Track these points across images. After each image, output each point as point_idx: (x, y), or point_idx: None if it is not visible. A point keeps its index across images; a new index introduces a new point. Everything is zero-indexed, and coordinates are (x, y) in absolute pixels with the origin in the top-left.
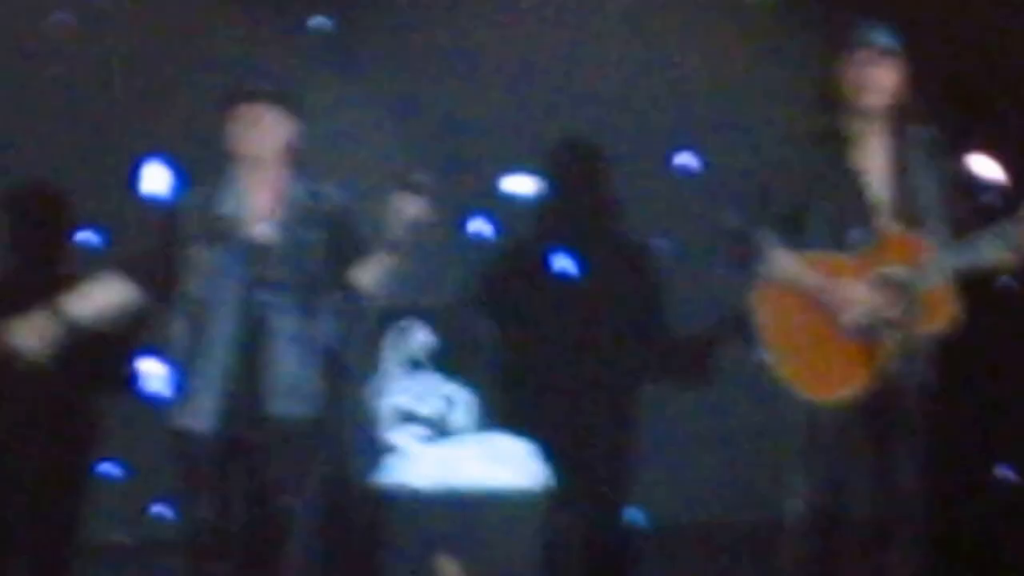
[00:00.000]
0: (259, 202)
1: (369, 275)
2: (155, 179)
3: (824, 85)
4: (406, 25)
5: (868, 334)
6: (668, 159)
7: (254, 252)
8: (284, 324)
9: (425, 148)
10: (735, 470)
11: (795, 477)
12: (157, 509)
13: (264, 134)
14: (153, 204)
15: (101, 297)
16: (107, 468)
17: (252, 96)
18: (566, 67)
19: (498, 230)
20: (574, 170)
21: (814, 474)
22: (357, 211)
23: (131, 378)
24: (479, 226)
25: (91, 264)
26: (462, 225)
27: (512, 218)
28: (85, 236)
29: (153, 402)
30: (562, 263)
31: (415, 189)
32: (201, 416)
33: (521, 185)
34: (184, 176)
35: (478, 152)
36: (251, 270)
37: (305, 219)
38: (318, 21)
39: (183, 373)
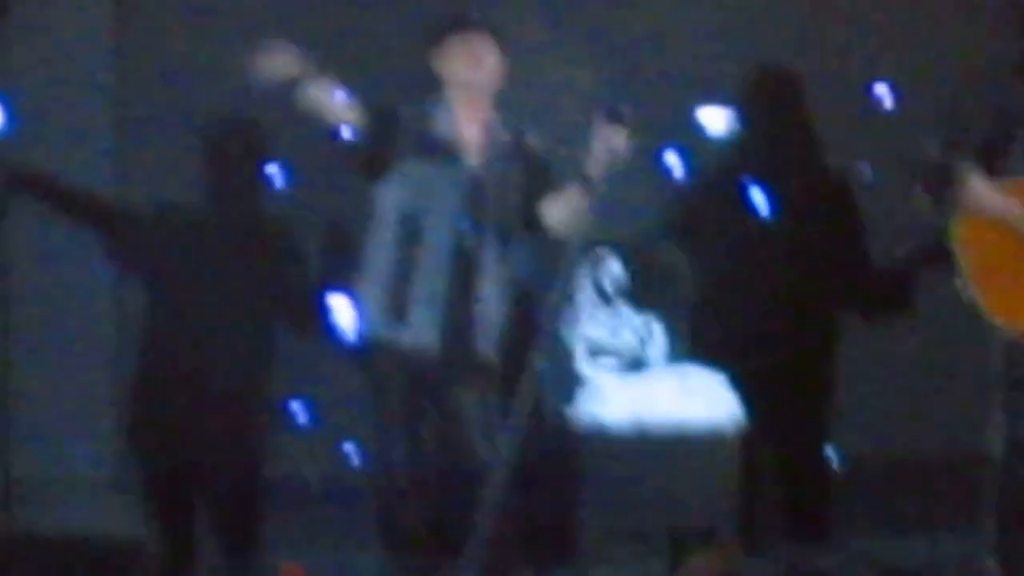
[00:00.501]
0: (470, 132)
1: (562, 210)
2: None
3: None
4: None
5: None
6: (865, 89)
7: (468, 180)
8: (489, 258)
9: (619, 80)
10: (934, 404)
11: (995, 410)
12: (346, 448)
13: (482, 63)
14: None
15: (337, 104)
16: (294, 407)
17: (474, 25)
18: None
19: (692, 163)
20: (770, 101)
21: (1014, 407)
22: (554, 150)
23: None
24: (672, 159)
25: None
26: (657, 158)
27: (706, 151)
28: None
29: (341, 340)
30: (757, 196)
31: (619, 120)
32: (424, 334)
33: (715, 117)
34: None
35: (672, 83)
36: (465, 197)
37: (508, 156)
38: None
39: (397, 290)
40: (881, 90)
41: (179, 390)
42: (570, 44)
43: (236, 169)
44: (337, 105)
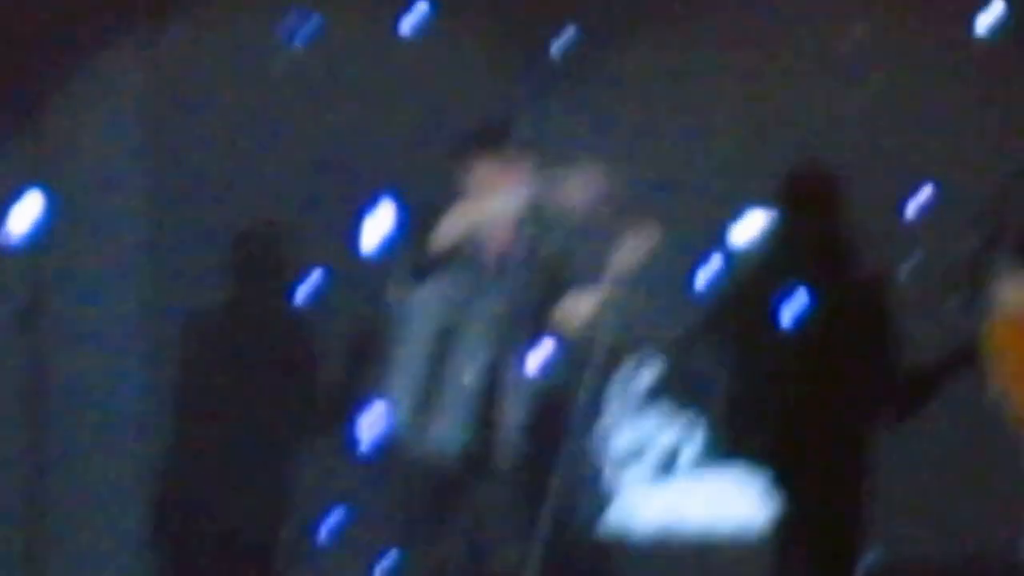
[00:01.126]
0: (500, 244)
1: (580, 312)
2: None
3: None
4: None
5: None
6: (906, 194)
7: (493, 288)
8: (513, 364)
9: (653, 192)
10: (969, 508)
11: None
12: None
13: (511, 185)
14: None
15: None
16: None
17: (498, 145)
18: (799, 102)
19: (725, 271)
20: (809, 207)
21: None
22: (574, 254)
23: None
24: (708, 274)
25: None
26: (693, 272)
27: (740, 260)
28: (313, 278)
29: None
30: (793, 304)
31: (644, 234)
32: (452, 436)
33: (750, 227)
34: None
35: (709, 190)
36: (490, 306)
37: (531, 259)
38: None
39: (423, 398)
40: (925, 194)
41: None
42: (608, 149)
43: (262, 276)
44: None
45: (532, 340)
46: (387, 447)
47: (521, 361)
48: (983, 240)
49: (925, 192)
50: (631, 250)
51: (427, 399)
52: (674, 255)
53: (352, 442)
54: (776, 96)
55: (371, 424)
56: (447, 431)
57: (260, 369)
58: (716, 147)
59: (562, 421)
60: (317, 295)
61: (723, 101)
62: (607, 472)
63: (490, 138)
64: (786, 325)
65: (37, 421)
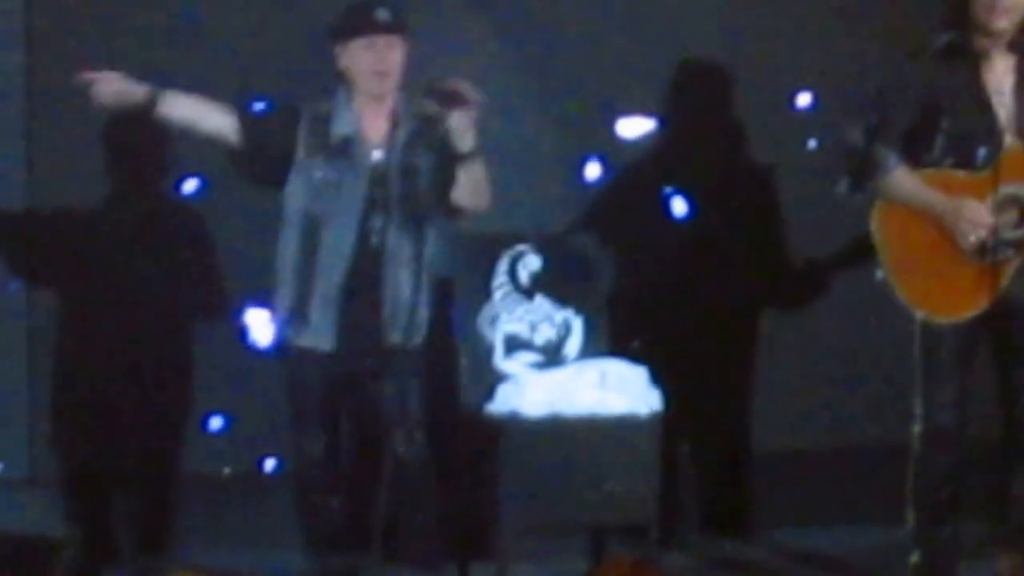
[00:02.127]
0: (375, 125)
1: (461, 190)
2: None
3: (952, 4)
4: None
5: (989, 255)
6: (789, 99)
7: (370, 175)
8: (398, 249)
9: (537, 84)
10: (854, 392)
11: (915, 399)
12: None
13: (387, 65)
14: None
15: (203, 112)
16: (215, 421)
17: (372, 24)
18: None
19: (613, 172)
20: (691, 99)
21: (934, 396)
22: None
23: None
24: (595, 169)
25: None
26: (580, 167)
27: (627, 159)
28: (190, 185)
29: (261, 354)
30: (678, 205)
31: (452, 98)
32: (322, 335)
33: (636, 126)
34: None
35: (593, 91)
36: (367, 193)
37: (416, 143)
38: None
39: (299, 291)
40: (805, 99)
41: (94, 390)
42: (494, 46)
43: (141, 163)
44: (204, 115)
45: (420, 222)
46: (275, 344)
47: (409, 245)
48: (868, 129)
49: (804, 99)
50: (459, 123)
51: (300, 296)
52: (561, 151)
53: (242, 337)
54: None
55: (259, 320)
56: (317, 328)
57: (144, 260)
58: (601, 47)
59: (447, 307)
60: (199, 193)
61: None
62: (496, 360)
63: (357, 20)
64: (673, 220)
65: None
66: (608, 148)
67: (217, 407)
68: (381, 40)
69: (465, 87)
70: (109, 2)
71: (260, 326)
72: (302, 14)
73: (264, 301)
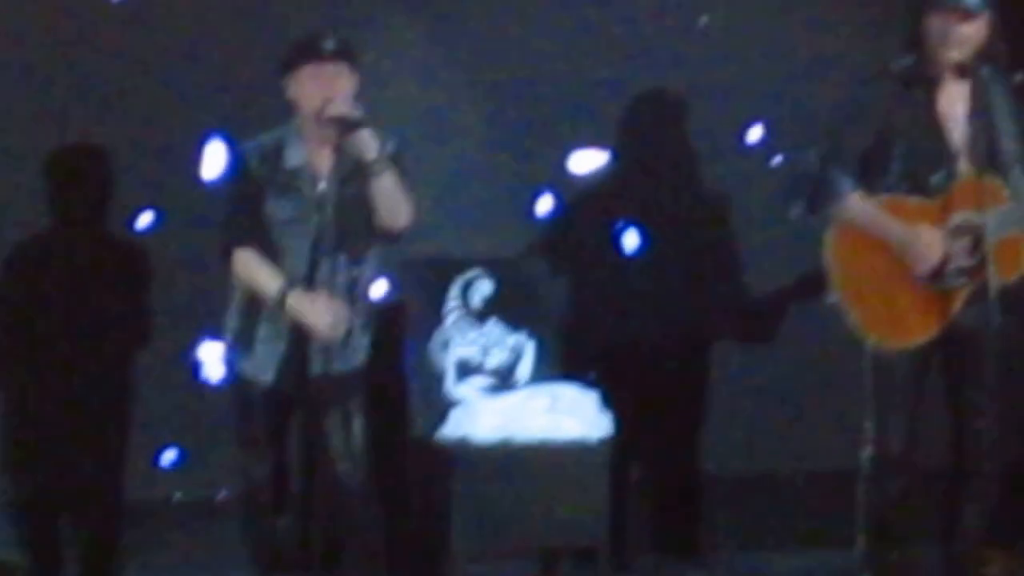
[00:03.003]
0: (321, 157)
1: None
2: (215, 160)
3: (908, 31)
4: None
5: (941, 281)
6: (740, 133)
7: (315, 206)
8: (331, 277)
9: (493, 115)
10: (805, 417)
11: (866, 424)
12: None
13: (333, 92)
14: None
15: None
16: (169, 454)
17: (318, 53)
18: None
19: (565, 205)
20: (642, 143)
21: (885, 421)
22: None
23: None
24: (547, 203)
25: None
26: (532, 199)
27: (579, 193)
28: (145, 219)
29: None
30: (630, 238)
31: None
32: (263, 368)
33: (589, 160)
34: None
35: (546, 126)
36: (312, 224)
37: (355, 173)
38: None
39: (246, 320)
40: (757, 134)
41: (44, 419)
42: (449, 75)
43: (88, 193)
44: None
45: (361, 253)
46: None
47: (348, 275)
48: (822, 155)
49: (756, 131)
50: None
51: (245, 328)
52: (514, 179)
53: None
54: (611, 33)
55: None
56: (261, 360)
57: (88, 290)
58: (550, 79)
59: (398, 332)
60: (154, 228)
61: (558, 34)
62: (447, 384)
63: (304, 49)
64: (624, 253)
65: None
66: (560, 181)
67: (171, 440)
68: (327, 67)
69: (344, 110)
70: (61, 31)
71: (213, 361)
72: (254, 47)
73: (217, 335)
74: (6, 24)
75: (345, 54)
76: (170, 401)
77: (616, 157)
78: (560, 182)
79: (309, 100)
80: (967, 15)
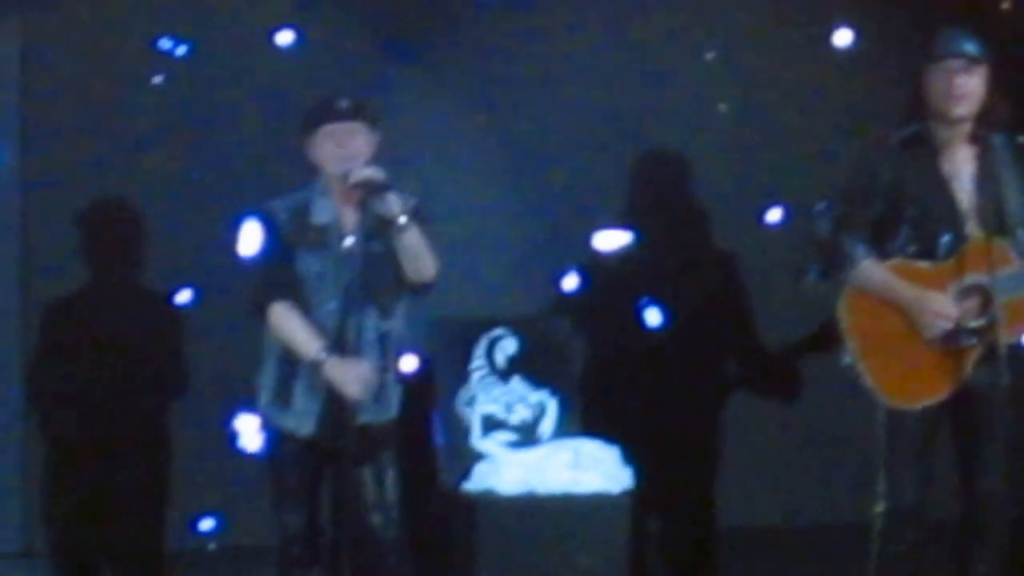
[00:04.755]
0: (347, 214)
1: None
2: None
3: (911, 95)
4: (492, 53)
5: (952, 342)
6: (758, 214)
7: (343, 262)
8: (364, 332)
9: (519, 181)
10: (819, 474)
11: (879, 480)
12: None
13: (350, 150)
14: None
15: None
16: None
17: (333, 113)
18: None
19: (589, 283)
20: (663, 223)
21: (898, 477)
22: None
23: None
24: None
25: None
26: (557, 279)
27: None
28: (184, 295)
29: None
30: (651, 315)
31: (377, 192)
32: (303, 421)
33: (613, 239)
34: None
35: (569, 195)
36: (341, 280)
37: (383, 228)
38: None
39: (283, 374)
40: (775, 215)
41: (85, 470)
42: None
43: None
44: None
45: (389, 307)
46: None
47: (379, 329)
48: (835, 221)
49: (775, 213)
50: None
51: (283, 382)
52: (541, 249)
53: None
54: (635, 114)
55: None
56: (300, 413)
57: (128, 345)
58: (572, 158)
59: (425, 387)
60: (193, 304)
61: (579, 112)
62: (473, 439)
63: (320, 111)
64: (647, 327)
65: None
66: (584, 253)
67: (210, 507)
68: (343, 127)
69: (368, 175)
70: (102, 102)
71: (250, 432)
72: (277, 115)
73: (254, 408)
74: (54, 98)
75: (360, 113)
76: (208, 468)
77: (639, 237)
78: (584, 255)
79: (328, 159)
80: (968, 65)
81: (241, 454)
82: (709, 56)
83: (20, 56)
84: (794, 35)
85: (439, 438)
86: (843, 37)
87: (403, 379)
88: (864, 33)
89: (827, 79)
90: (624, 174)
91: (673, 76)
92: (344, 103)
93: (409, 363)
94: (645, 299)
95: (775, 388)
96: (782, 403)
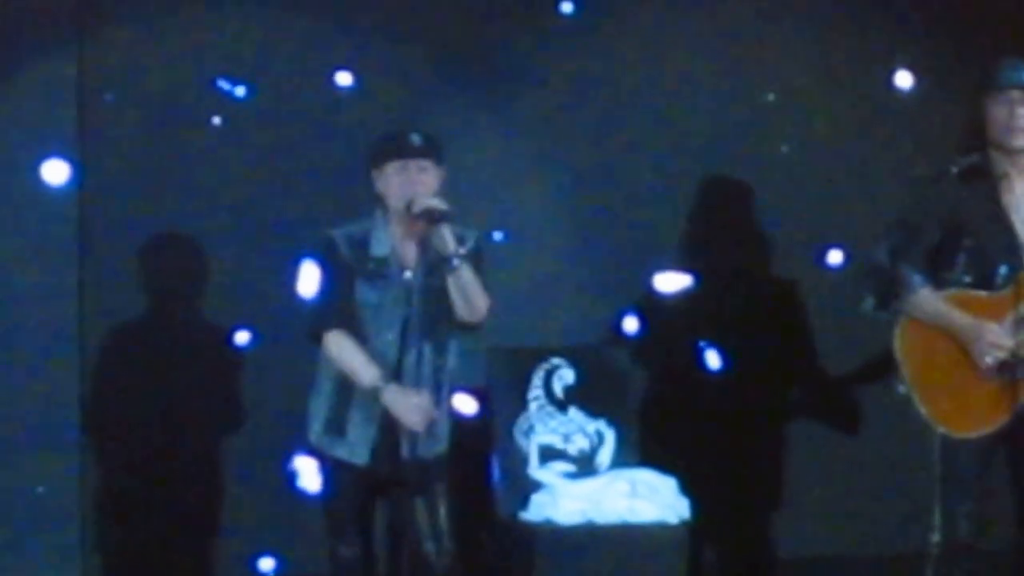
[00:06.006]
0: (407, 248)
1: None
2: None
3: (970, 125)
4: (555, 89)
5: (1007, 373)
6: (818, 254)
7: (401, 295)
8: (420, 365)
9: (578, 222)
10: (875, 504)
11: (935, 510)
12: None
13: (418, 187)
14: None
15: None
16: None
17: (404, 149)
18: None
19: (647, 314)
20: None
21: (953, 507)
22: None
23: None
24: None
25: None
26: (618, 313)
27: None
28: (243, 336)
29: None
30: (711, 357)
31: (431, 220)
32: (358, 451)
33: (673, 282)
34: None
35: (630, 230)
36: (398, 312)
37: (440, 265)
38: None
39: (337, 404)
40: (836, 257)
41: (137, 500)
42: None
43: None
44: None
45: (444, 341)
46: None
47: (434, 362)
48: (893, 250)
49: (836, 255)
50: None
51: (337, 412)
52: (599, 290)
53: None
54: (698, 153)
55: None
56: (354, 443)
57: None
58: (634, 192)
59: (484, 417)
60: (251, 345)
61: (642, 148)
62: (530, 470)
63: (390, 146)
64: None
65: None
66: (645, 289)
67: (267, 548)
68: (413, 163)
69: (430, 203)
70: (161, 142)
71: (309, 473)
72: (337, 155)
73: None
74: (114, 135)
75: (430, 150)
76: (267, 509)
77: (698, 280)
78: (645, 286)
79: (396, 195)
80: None
81: (301, 494)
82: (771, 97)
83: (77, 94)
84: (854, 76)
85: (497, 474)
86: (904, 79)
87: (455, 415)
88: (922, 72)
89: (887, 120)
90: (686, 209)
91: (735, 116)
92: (416, 138)
93: (467, 405)
94: (703, 330)
95: (833, 419)
96: (841, 434)
